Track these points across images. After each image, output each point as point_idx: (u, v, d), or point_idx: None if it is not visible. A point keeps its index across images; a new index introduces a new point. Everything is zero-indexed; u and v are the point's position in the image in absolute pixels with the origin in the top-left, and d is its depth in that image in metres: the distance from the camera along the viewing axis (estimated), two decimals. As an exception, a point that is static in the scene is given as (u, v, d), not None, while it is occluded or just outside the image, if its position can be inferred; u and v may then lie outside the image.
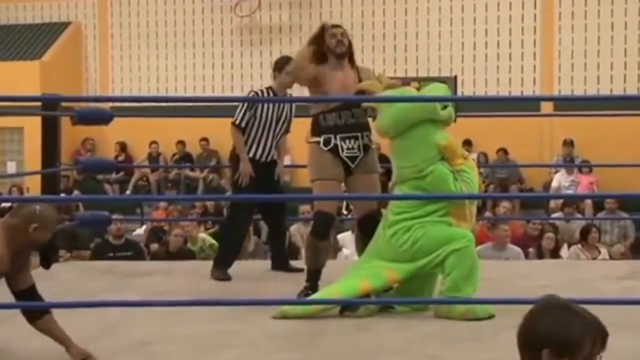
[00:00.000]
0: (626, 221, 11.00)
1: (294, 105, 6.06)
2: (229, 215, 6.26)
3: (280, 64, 5.97)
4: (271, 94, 5.97)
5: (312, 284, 5.02)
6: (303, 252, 5.19)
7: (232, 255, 5.94)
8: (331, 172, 5.01)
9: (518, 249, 8.61)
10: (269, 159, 5.98)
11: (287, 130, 6.14)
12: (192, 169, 14.35)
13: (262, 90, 6.02)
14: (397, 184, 4.87)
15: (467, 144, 13.38)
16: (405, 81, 5.18)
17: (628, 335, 4.22)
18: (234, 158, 6.01)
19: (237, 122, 5.87)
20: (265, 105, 5.87)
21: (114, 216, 7.39)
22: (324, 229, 5.04)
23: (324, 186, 5.01)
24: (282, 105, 5.94)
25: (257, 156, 5.93)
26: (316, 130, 5.07)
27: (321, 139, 5.03)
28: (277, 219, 6.19)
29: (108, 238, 8.80)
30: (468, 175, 4.86)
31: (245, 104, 5.90)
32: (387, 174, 13.84)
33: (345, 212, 11.59)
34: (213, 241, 8.91)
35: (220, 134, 14.25)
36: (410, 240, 4.62)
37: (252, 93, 6.13)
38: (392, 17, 14.24)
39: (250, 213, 6.13)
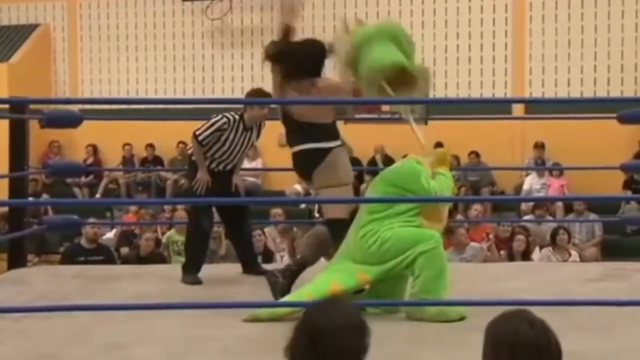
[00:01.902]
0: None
1: (259, 133, 6.15)
2: (191, 221, 6.19)
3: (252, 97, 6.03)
4: (241, 126, 5.92)
5: (293, 272, 4.96)
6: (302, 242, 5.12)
7: (199, 260, 5.91)
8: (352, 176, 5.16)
9: (477, 245, 8.68)
10: (226, 169, 6.00)
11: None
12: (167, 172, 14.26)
13: (234, 119, 5.92)
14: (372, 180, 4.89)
15: (439, 146, 13.42)
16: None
17: (600, 337, 4.24)
18: (192, 165, 5.97)
19: (199, 137, 5.79)
20: (232, 135, 5.86)
21: (89, 220, 7.34)
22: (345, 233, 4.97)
23: (348, 191, 5.08)
24: (248, 135, 5.98)
25: (212, 168, 5.93)
26: (332, 135, 5.02)
27: (339, 143, 5.05)
28: (239, 225, 6.16)
29: (79, 242, 8.71)
30: (444, 177, 4.85)
31: (215, 126, 5.82)
32: (359, 177, 13.87)
33: (317, 215, 11.58)
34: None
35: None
36: (378, 242, 4.61)
37: (224, 119, 5.92)
38: (364, 19, 14.22)
39: (210, 218, 6.10)
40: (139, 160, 14.59)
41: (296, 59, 5.01)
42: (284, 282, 4.87)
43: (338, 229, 4.92)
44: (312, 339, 2.16)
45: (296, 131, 5.06)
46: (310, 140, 4.99)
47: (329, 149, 4.98)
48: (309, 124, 4.99)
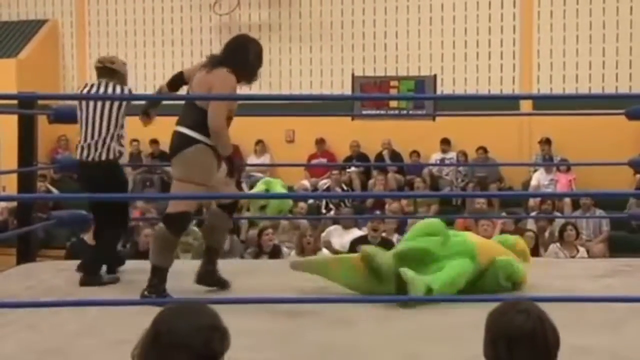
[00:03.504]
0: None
1: None
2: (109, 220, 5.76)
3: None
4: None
5: (160, 284, 4.91)
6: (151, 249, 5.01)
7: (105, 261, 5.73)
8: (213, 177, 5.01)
9: None
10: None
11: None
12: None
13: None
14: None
15: (446, 142, 13.43)
16: None
17: (607, 333, 4.24)
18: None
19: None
20: None
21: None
22: (185, 227, 5.10)
23: (197, 189, 4.91)
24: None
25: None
26: (204, 129, 4.85)
27: (208, 140, 4.88)
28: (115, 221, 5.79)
29: (83, 237, 8.73)
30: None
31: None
32: (366, 172, 13.86)
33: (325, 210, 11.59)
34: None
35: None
36: None
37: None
38: (372, 15, 14.23)
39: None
40: (145, 157, 14.60)
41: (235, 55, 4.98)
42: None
43: (177, 222, 4.93)
44: (154, 337, 2.14)
45: (183, 108, 5.04)
46: (185, 125, 4.93)
47: (196, 142, 4.86)
48: (193, 105, 4.93)
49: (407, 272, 4.75)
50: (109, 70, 5.69)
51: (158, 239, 4.99)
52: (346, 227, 9.90)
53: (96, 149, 5.58)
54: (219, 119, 4.84)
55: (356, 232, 9.83)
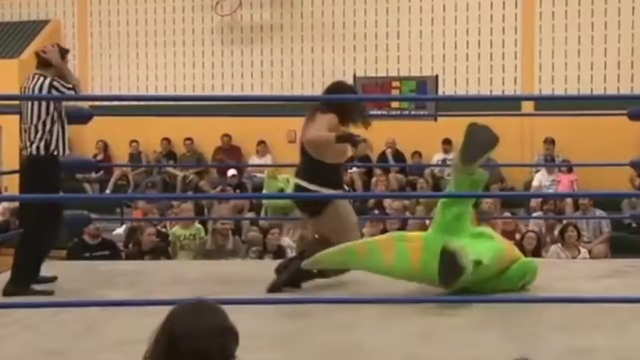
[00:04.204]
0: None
1: None
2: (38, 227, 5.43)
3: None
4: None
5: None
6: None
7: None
8: None
9: None
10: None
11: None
12: (175, 168, 14.28)
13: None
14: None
15: (447, 143, 13.42)
16: None
17: (609, 334, 4.24)
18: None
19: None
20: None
21: (93, 216, 7.37)
22: None
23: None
24: None
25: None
26: (322, 178, 5.28)
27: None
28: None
29: (84, 238, 8.75)
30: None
31: None
32: (369, 172, 13.85)
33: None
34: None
35: (202, 133, 14.27)
36: None
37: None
38: (374, 16, 14.22)
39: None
40: (150, 157, 14.60)
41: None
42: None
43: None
44: (170, 340, 2.13)
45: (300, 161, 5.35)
46: (303, 177, 5.28)
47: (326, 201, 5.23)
48: (308, 157, 5.24)
49: (451, 243, 4.66)
50: (42, 61, 5.47)
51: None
52: None
53: (25, 146, 5.45)
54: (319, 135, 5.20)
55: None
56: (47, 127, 5.33)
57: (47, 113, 5.34)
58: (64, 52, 5.58)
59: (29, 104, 5.36)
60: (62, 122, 5.41)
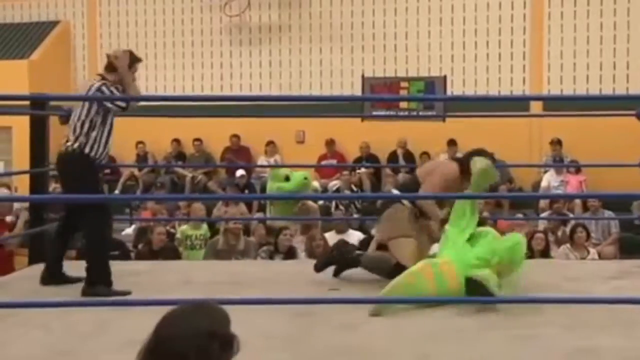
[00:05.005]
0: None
1: None
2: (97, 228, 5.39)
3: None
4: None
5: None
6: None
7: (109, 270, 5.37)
8: None
9: None
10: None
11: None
12: (184, 168, 14.31)
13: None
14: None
15: (453, 143, 13.41)
16: None
17: (618, 335, 4.24)
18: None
19: None
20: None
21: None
22: None
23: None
24: None
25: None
26: None
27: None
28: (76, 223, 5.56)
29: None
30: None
31: None
32: (376, 173, 13.85)
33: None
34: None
35: (211, 133, 14.30)
36: None
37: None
38: (382, 17, 14.23)
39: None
40: (158, 157, 14.64)
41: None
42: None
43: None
44: (155, 341, 2.15)
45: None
46: None
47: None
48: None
49: (474, 273, 4.80)
50: (109, 63, 5.48)
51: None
52: (339, 231, 9.58)
53: (64, 142, 5.49)
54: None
55: (352, 234, 9.59)
56: (85, 129, 5.37)
57: (87, 115, 5.36)
58: (134, 60, 5.53)
59: (80, 104, 5.42)
60: (104, 126, 5.39)
